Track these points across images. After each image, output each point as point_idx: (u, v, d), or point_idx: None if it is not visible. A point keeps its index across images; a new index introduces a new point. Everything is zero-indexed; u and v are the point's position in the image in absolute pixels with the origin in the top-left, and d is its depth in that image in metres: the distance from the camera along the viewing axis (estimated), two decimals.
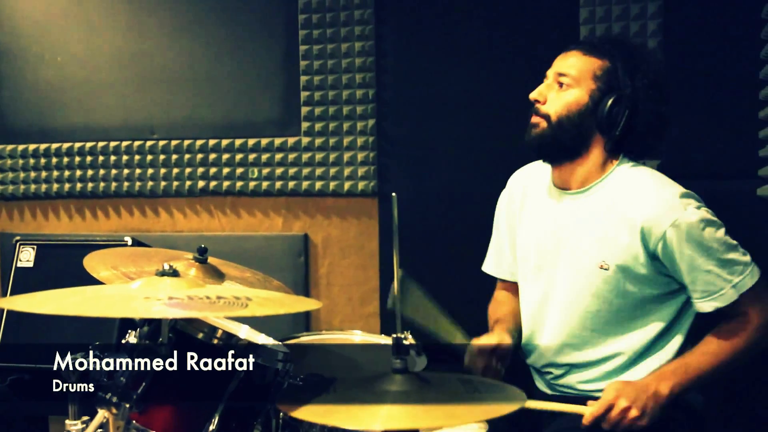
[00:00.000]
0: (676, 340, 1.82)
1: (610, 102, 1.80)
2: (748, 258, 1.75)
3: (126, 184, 3.20)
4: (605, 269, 1.80)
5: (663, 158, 2.59)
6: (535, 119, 1.86)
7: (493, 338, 1.91)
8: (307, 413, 1.37)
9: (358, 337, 2.33)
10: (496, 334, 1.94)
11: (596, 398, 1.76)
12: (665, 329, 1.82)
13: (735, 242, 1.76)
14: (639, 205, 1.77)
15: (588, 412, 1.70)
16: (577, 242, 1.86)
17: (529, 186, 2.02)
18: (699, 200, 1.78)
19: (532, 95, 1.87)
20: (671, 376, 1.73)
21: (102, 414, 1.65)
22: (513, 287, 2.10)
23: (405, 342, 1.48)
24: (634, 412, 1.68)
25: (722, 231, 1.75)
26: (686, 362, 1.76)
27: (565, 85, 1.83)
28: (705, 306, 1.74)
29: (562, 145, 1.85)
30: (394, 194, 1.55)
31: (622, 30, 2.62)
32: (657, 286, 1.80)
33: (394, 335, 1.48)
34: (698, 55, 2.56)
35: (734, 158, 2.54)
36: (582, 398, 1.81)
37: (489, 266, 2.17)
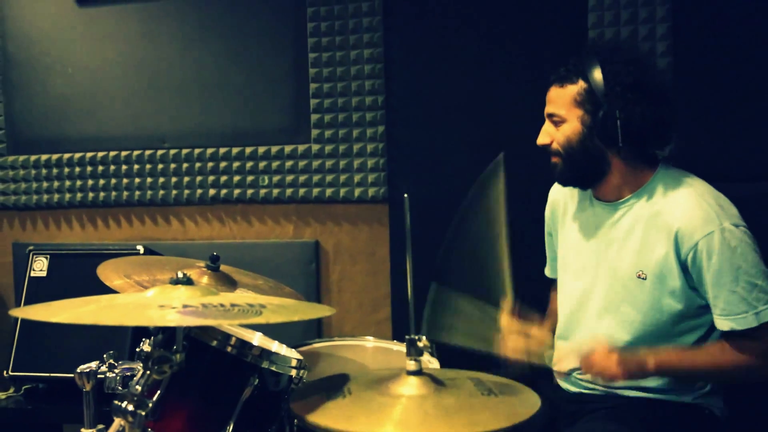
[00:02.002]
0: None
1: (600, 120, 1.81)
2: None
3: (137, 193, 3.21)
4: (643, 278, 1.80)
5: (674, 161, 2.59)
6: (553, 159, 1.93)
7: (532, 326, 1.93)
8: (323, 418, 1.37)
9: (370, 343, 2.33)
10: (539, 324, 1.95)
11: (619, 395, 1.78)
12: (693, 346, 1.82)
13: (765, 268, 1.73)
14: (677, 214, 1.77)
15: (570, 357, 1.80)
16: (616, 251, 1.87)
17: (571, 194, 2.07)
18: (740, 219, 1.76)
19: (539, 141, 1.93)
20: (663, 352, 1.75)
21: (118, 422, 1.66)
22: None
23: (419, 344, 1.48)
24: (613, 367, 1.71)
25: (755, 254, 1.73)
26: (684, 352, 1.77)
27: (558, 122, 1.88)
28: (722, 324, 1.73)
29: (582, 172, 1.91)
30: (406, 195, 1.56)
31: (631, 34, 2.62)
32: (689, 302, 1.78)
33: (408, 336, 1.48)
34: (708, 58, 2.56)
35: (748, 161, 2.54)
36: (606, 396, 1.81)
37: (550, 271, 2.23)
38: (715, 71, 2.55)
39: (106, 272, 1.97)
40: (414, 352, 1.48)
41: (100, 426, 1.74)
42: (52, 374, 2.88)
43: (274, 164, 3.06)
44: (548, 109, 1.91)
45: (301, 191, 3.04)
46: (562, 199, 2.10)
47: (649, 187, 1.85)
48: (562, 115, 1.86)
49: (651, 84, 1.83)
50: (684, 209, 1.76)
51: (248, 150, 3.08)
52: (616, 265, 1.86)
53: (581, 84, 1.83)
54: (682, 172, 1.89)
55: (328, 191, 3.01)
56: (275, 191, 3.07)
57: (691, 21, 2.57)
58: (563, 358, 1.89)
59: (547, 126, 1.92)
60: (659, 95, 1.83)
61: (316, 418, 1.38)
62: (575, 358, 1.80)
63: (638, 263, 1.81)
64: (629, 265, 1.83)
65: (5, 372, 2.94)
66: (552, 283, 2.22)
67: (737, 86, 2.53)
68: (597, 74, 1.81)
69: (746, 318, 1.70)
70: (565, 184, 1.97)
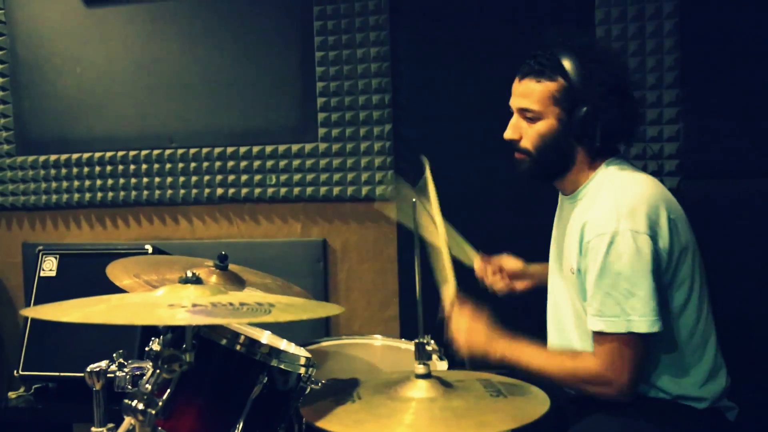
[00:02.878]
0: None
1: (580, 118, 1.77)
2: (646, 310, 1.64)
3: (145, 192, 3.22)
4: (573, 273, 1.81)
5: (682, 158, 2.59)
6: (518, 156, 1.88)
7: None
8: (333, 423, 1.37)
9: (378, 341, 2.34)
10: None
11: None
12: None
13: (648, 285, 1.65)
14: (588, 210, 1.77)
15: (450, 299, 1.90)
16: (564, 245, 1.88)
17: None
18: (647, 227, 1.67)
19: (507, 135, 1.87)
20: (512, 350, 1.78)
21: (128, 421, 1.67)
22: None
23: (428, 347, 1.48)
24: (462, 337, 1.82)
25: (645, 268, 1.65)
26: (526, 350, 1.78)
27: (532, 118, 1.82)
28: (592, 323, 1.71)
29: (550, 169, 1.87)
30: (414, 199, 1.56)
31: (638, 30, 2.61)
32: None
33: (417, 340, 1.48)
34: (715, 54, 2.55)
35: (753, 157, 2.53)
36: (600, 402, 1.81)
37: None
38: (723, 67, 2.54)
39: (115, 272, 1.98)
40: (423, 355, 1.48)
41: (110, 425, 1.74)
42: (62, 373, 2.90)
43: (282, 163, 3.06)
44: (520, 103, 1.83)
45: (309, 190, 3.05)
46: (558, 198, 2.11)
47: (593, 181, 1.84)
48: (538, 111, 1.80)
49: (626, 83, 1.83)
50: (594, 206, 1.75)
51: (256, 149, 3.09)
52: (562, 258, 1.89)
53: (560, 81, 1.78)
54: (626, 166, 1.84)
55: (336, 190, 3.02)
56: (283, 190, 3.08)
57: (698, 17, 2.57)
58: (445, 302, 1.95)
59: (517, 121, 1.86)
60: (632, 94, 1.83)
61: (326, 423, 1.38)
62: (449, 305, 1.90)
63: (568, 258, 1.82)
64: (566, 259, 1.85)
65: (15, 371, 2.96)
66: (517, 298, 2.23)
67: (744, 82, 2.52)
68: (577, 72, 1.77)
69: (617, 322, 1.66)
70: (530, 179, 1.91)
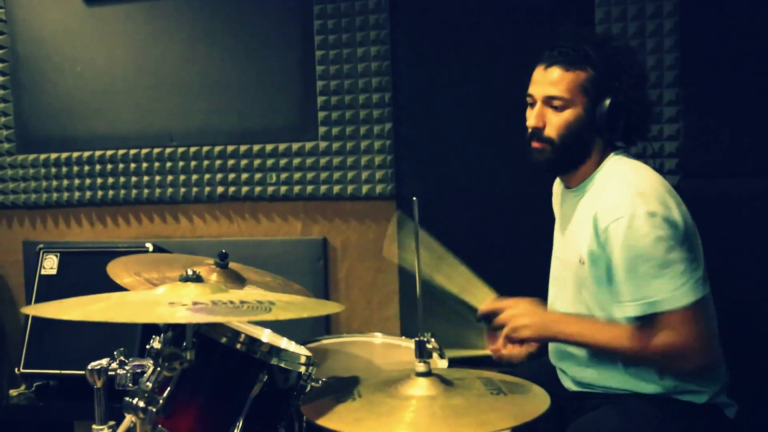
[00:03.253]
0: None
1: (607, 109, 1.79)
2: (684, 280, 1.67)
3: (146, 191, 3.23)
4: (582, 263, 1.81)
5: (682, 157, 2.59)
6: (537, 145, 1.86)
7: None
8: (333, 421, 1.38)
9: (378, 339, 2.34)
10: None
11: (620, 395, 1.77)
12: None
13: (680, 257, 1.68)
14: (599, 199, 1.78)
15: (487, 302, 1.84)
16: (570, 237, 1.90)
17: (559, 187, 2.08)
18: (660, 205, 1.71)
19: (531, 123, 1.85)
20: (573, 327, 1.79)
21: (129, 419, 1.67)
22: None
23: (428, 345, 1.48)
24: (523, 320, 1.79)
25: (668, 246, 1.68)
26: (588, 325, 1.79)
27: (559, 105, 1.82)
28: (624, 309, 1.72)
29: (570, 160, 1.88)
30: (414, 199, 1.56)
31: (638, 29, 2.61)
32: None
33: (417, 338, 1.49)
34: (715, 53, 2.55)
35: (753, 156, 2.53)
36: (606, 395, 1.81)
37: None
38: (723, 66, 2.54)
39: (116, 270, 1.98)
40: (423, 353, 1.49)
41: (111, 423, 1.74)
42: (63, 371, 2.90)
43: (282, 162, 3.07)
44: (548, 91, 1.82)
45: (309, 188, 3.05)
46: (556, 194, 2.11)
47: (600, 172, 1.86)
48: (568, 99, 1.81)
49: (647, 78, 1.87)
50: (605, 195, 1.77)
51: (256, 148, 3.09)
52: (568, 250, 1.90)
53: (589, 71, 1.80)
54: (628, 159, 1.88)
55: (336, 188, 3.02)
56: (283, 189, 3.08)
57: (699, 16, 2.57)
58: (482, 307, 1.90)
59: (542, 109, 1.84)
60: (647, 88, 1.87)
61: (326, 421, 1.38)
62: (492, 306, 1.86)
63: (578, 248, 1.83)
64: (573, 251, 1.85)
65: (17, 369, 2.96)
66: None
67: (744, 81, 2.52)
68: (605, 64, 1.80)
69: (644, 305, 1.68)
70: (551, 171, 1.94)
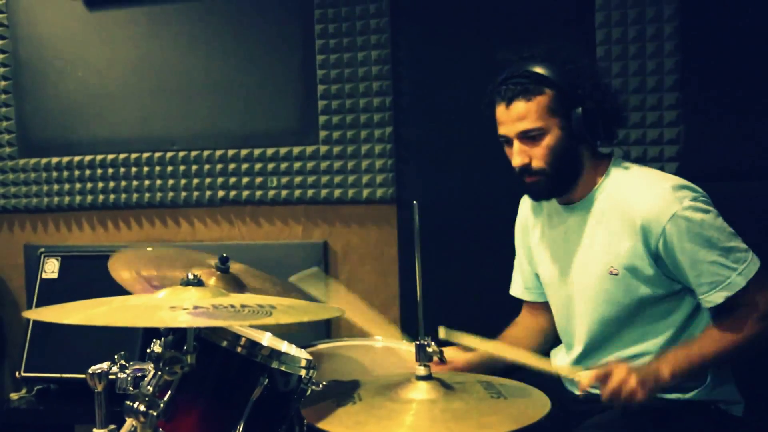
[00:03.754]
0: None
1: (581, 119, 1.79)
2: (745, 245, 1.75)
3: (147, 195, 3.23)
4: (615, 274, 1.80)
5: (682, 160, 2.59)
6: (530, 179, 1.85)
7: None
8: (334, 425, 1.38)
9: (379, 343, 2.34)
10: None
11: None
12: (686, 325, 1.82)
13: (732, 230, 1.76)
14: (636, 206, 1.77)
15: (583, 377, 1.68)
16: (586, 251, 1.87)
17: (536, 207, 2.05)
18: (694, 190, 1.77)
19: (516, 163, 1.84)
20: (674, 360, 1.71)
21: (129, 423, 1.67)
22: (539, 307, 2.13)
23: (428, 349, 1.49)
24: (633, 382, 1.63)
25: (720, 219, 1.75)
26: (689, 348, 1.75)
27: (536, 136, 1.81)
28: (714, 298, 1.73)
29: (565, 180, 1.87)
30: (415, 202, 1.56)
31: (638, 33, 2.61)
32: (665, 288, 1.79)
33: (418, 342, 1.49)
34: (716, 57, 2.55)
35: (753, 160, 2.53)
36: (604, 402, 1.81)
37: (517, 290, 2.19)
38: (723, 70, 2.54)
39: (117, 265, 1.99)
40: (423, 357, 1.49)
41: (112, 426, 1.75)
42: (63, 375, 2.90)
43: (283, 166, 3.07)
44: (519, 127, 1.81)
45: (310, 192, 3.05)
46: (530, 213, 2.09)
47: (606, 181, 1.86)
48: (541, 128, 1.80)
49: (598, 71, 1.89)
50: (642, 199, 1.77)
51: (257, 152, 3.09)
52: (588, 264, 1.86)
53: (549, 92, 1.79)
54: (629, 163, 1.90)
55: (337, 192, 3.02)
56: (284, 192, 3.08)
57: (699, 20, 2.57)
58: (583, 382, 1.73)
59: (520, 146, 1.83)
60: (610, 87, 1.90)
61: (327, 424, 1.38)
62: (593, 379, 1.70)
63: (608, 260, 1.81)
64: (600, 263, 1.83)
65: (17, 373, 2.96)
66: (522, 304, 2.19)
67: (745, 85, 2.53)
68: (562, 78, 1.79)
69: (732, 281, 1.71)
70: (547, 198, 1.92)
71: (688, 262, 1.72)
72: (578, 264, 1.90)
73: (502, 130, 1.86)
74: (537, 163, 1.83)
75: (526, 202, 2.12)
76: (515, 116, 1.82)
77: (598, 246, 1.84)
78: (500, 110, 1.86)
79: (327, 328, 3.05)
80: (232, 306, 1.45)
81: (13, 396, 3.00)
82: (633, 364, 1.71)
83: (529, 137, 1.82)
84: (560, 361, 2.00)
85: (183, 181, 3.19)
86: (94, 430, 1.74)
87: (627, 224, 1.77)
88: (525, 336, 2.11)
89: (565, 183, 1.88)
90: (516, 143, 1.84)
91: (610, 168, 1.87)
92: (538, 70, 1.80)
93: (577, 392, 1.74)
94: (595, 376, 1.67)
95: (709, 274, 1.72)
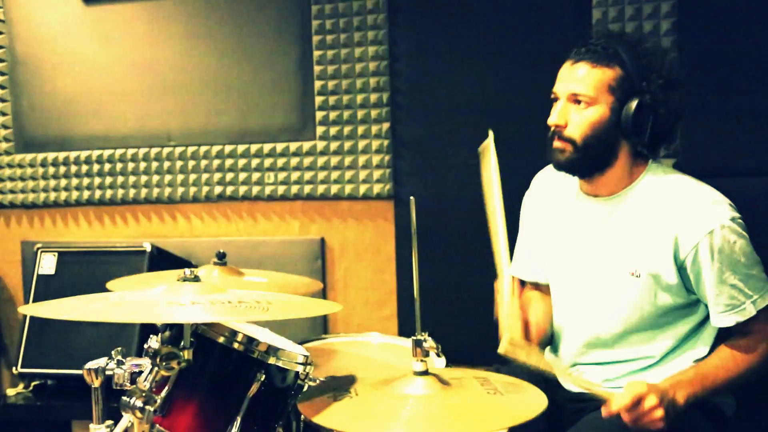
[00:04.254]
0: (701, 349, 1.80)
1: (633, 110, 1.74)
2: (765, 275, 1.74)
3: (144, 190, 3.23)
4: (636, 276, 1.77)
5: (680, 157, 2.60)
6: (558, 144, 1.80)
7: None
8: (330, 419, 1.38)
9: (376, 339, 2.34)
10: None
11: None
12: (691, 334, 1.82)
13: (757, 257, 1.74)
14: (673, 214, 1.73)
15: (615, 401, 1.62)
16: (607, 248, 1.83)
17: (554, 188, 1.99)
18: (733, 208, 1.74)
19: (552, 121, 1.79)
20: (688, 385, 1.69)
21: (127, 418, 1.67)
22: (543, 289, 2.08)
23: (425, 344, 1.49)
24: (659, 412, 1.60)
25: (750, 246, 1.73)
26: (703, 373, 1.72)
27: (584, 103, 1.76)
28: (726, 320, 1.72)
29: (593, 162, 1.81)
30: (412, 198, 1.56)
31: (635, 30, 2.61)
32: (684, 298, 1.78)
33: (414, 338, 1.49)
34: (713, 54, 2.55)
35: (752, 156, 2.54)
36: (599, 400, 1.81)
37: (519, 269, 2.10)
38: (720, 67, 2.55)
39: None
40: (420, 352, 1.49)
41: (109, 422, 1.75)
42: (60, 371, 2.90)
43: (280, 162, 3.07)
44: (573, 88, 1.76)
45: (307, 188, 3.06)
46: (545, 194, 2.02)
47: (642, 183, 1.81)
48: (593, 98, 1.74)
49: (679, 80, 1.79)
50: (681, 209, 1.73)
51: (254, 148, 3.09)
52: (609, 262, 1.82)
53: (617, 70, 1.75)
54: (670, 169, 1.86)
55: (334, 188, 3.03)
56: (281, 188, 3.08)
57: (696, 17, 2.57)
58: (613, 408, 1.65)
59: (565, 106, 1.77)
60: (681, 92, 1.80)
61: (323, 419, 1.38)
62: (629, 405, 1.63)
63: (632, 261, 1.78)
64: (622, 263, 1.79)
65: (14, 369, 2.96)
66: (525, 283, 2.11)
67: (742, 82, 2.53)
68: (634, 63, 1.75)
69: (746, 309, 1.70)
70: (570, 171, 1.84)
71: (713, 280, 1.71)
72: (595, 258, 1.85)
73: (557, 87, 1.82)
74: (571, 130, 1.77)
75: (544, 178, 2.04)
76: (575, 76, 1.77)
77: (622, 245, 1.80)
78: (565, 66, 1.81)
79: (324, 324, 3.06)
80: (230, 301, 1.45)
81: (10, 392, 3.00)
82: (653, 386, 1.65)
83: (577, 101, 1.76)
84: (558, 351, 1.98)
85: (180, 177, 3.19)
86: (91, 425, 1.74)
87: (660, 230, 1.74)
88: (546, 321, 2.00)
89: (590, 165, 1.81)
90: (563, 103, 1.79)
91: (647, 170, 1.82)
92: (618, 46, 1.77)
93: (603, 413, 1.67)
94: (631, 402, 1.60)
95: (728, 296, 1.71)
